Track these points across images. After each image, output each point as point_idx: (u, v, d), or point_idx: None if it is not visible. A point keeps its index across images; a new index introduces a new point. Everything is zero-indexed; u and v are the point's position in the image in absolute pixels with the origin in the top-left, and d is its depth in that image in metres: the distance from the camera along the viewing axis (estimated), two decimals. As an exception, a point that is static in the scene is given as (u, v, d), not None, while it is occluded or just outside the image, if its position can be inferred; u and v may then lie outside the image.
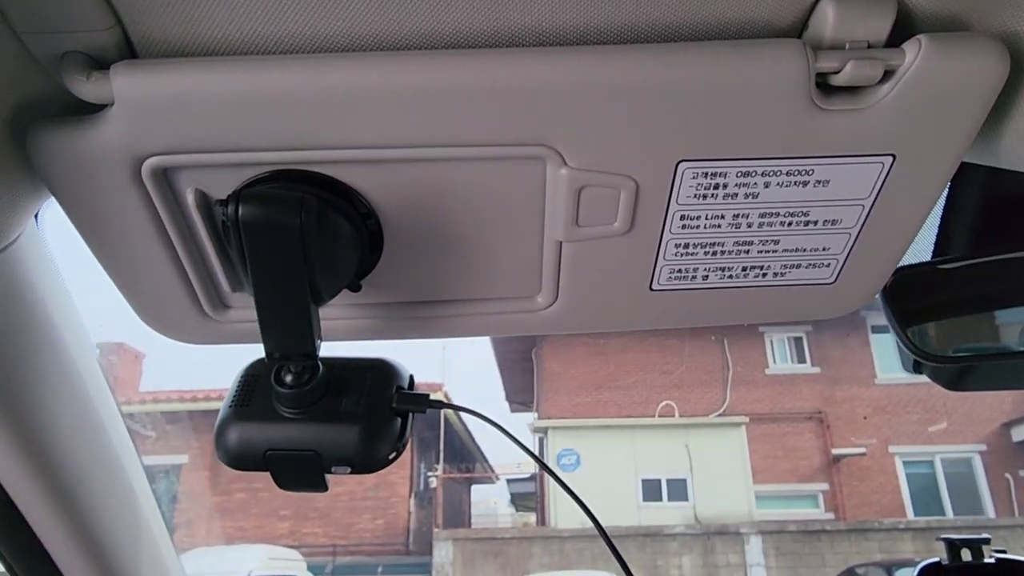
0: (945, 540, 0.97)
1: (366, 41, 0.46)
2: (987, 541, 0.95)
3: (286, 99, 0.45)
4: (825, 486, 11.75)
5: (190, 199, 0.50)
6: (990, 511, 11.09)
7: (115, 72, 0.43)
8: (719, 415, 11.96)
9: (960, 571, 0.94)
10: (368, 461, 0.56)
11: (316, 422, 0.55)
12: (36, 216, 0.58)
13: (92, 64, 0.44)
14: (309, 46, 0.46)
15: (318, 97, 0.45)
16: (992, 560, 0.94)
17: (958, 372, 0.86)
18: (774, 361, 12.40)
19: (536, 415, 12.48)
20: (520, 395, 14.62)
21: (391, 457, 0.57)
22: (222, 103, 0.45)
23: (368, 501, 11.91)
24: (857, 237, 0.55)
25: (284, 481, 0.58)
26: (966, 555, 0.96)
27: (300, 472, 0.57)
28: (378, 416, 0.56)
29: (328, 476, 0.57)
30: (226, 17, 0.44)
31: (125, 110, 0.44)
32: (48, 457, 0.62)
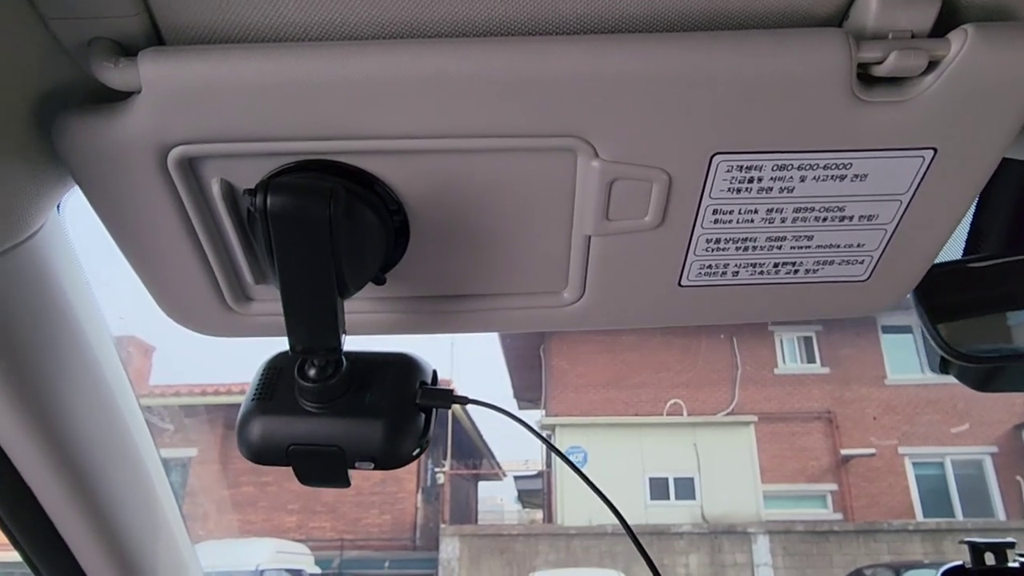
0: (968, 543, 0.95)
1: (396, 28, 0.45)
2: (1012, 545, 0.93)
3: (314, 87, 0.44)
4: (834, 486, 11.70)
5: (215, 189, 0.49)
6: (1001, 513, 11.02)
7: (143, 59, 0.43)
8: (727, 414, 11.93)
9: (984, 575, 0.92)
10: (392, 457, 0.55)
11: (340, 417, 0.55)
12: (59, 206, 0.58)
13: (119, 51, 0.44)
14: (338, 33, 0.45)
15: (347, 85, 0.44)
16: (1017, 564, 0.92)
17: (986, 372, 0.84)
18: (783, 360, 12.35)
19: (544, 412, 12.49)
20: (528, 392, 14.63)
21: (415, 453, 0.56)
22: (250, 91, 0.44)
23: (375, 496, 11.96)
24: (893, 234, 0.54)
25: (306, 476, 0.57)
26: (989, 559, 0.94)
27: (323, 467, 0.56)
28: (402, 411, 0.56)
29: (351, 472, 0.57)
30: (253, 4, 0.43)
31: (152, 98, 0.44)
32: (67, 447, 0.61)
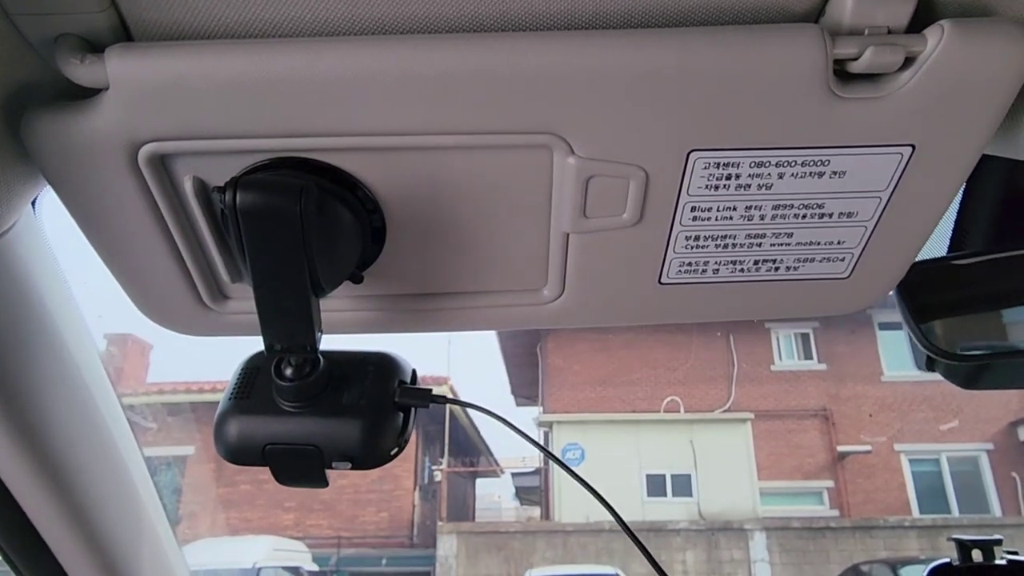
0: (956, 540, 0.95)
1: (368, 25, 0.45)
2: (999, 542, 0.93)
3: (286, 83, 0.43)
4: (830, 483, 11.72)
5: (188, 187, 0.49)
6: (996, 510, 11.05)
7: (110, 55, 0.42)
8: (724, 411, 11.94)
9: (971, 572, 0.92)
10: (369, 456, 0.55)
11: (317, 416, 0.54)
12: (34, 204, 0.57)
13: (87, 47, 0.43)
14: (309, 30, 0.45)
15: (318, 82, 0.43)
16: (1004, 561, 0.92)
17: (972, 370, 0.84)
18: (780, 358, 12.36)
19: (541, 409, 12.49)
20: (526, 389, 14.63)
21: (393, 453, 0.56)
22: (220, 88, 0.43)
23: (372, 494, 11.96)
24: (873, 230, 0.54)
25: (283, 476, 0.57)
26: (977, 556, 0.94)
27: (300, 467, 0.55)
28: (380, 410, 0.55)
29: (329, 472, 0.56)
30: (223, 0, 0.43)
31: (120, 94, 0.43)
32: (47, 449, 0.61)
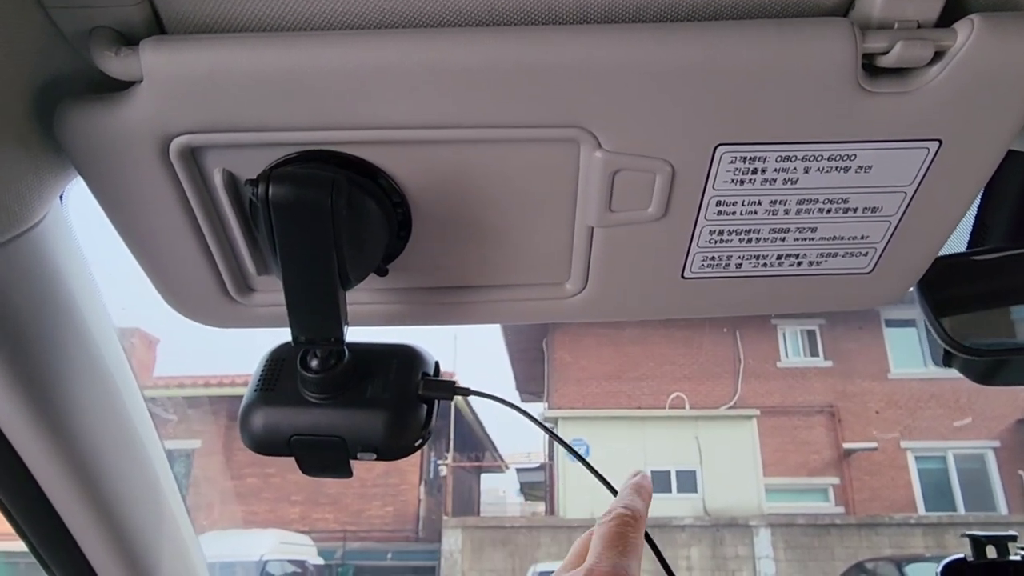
0: (970, 536, 0.95)
1: (398, 17, 0.45)
2: (1013, 538, 0.93)
3: (316, 77, 0.44)
4: (836, 480, 11.70)
5: (217, 179, 0.49)
6: (1003, 508, 11.01)
7: (144, 48, 0.43)
8: (730, 407, 11.92)
9: (985, 568, 0.92)
10: (394, 447, 0.55)
11: (342, 407, 0.55)
12: (61, 197, 0.58)
13: (121, 40, 0.43)
14: (340, 23, 0.45)
15: (349, 75, 0.44)
16: (1018, 557, 0.92)
17: (990, 366, 0.84)
18: (786, 354, 12.33)
19: (546, 405, 12.50)
20: (531, 385, 14.64)
21: (417, 444, 0.56)
22: (252, 81, 0.44)
23: (378, 488, 12.00)
24: (897, 225, 0.54)
25: (308, 467, 0.57)
26: (991, 552, 0.94)
27: (325, 458, 0.56)
28: (405, 402, 0.56)
29: (353, 463, 0.57)
30: None
31: (154, 87, 0.44)
32: (71, 438, 0.62)
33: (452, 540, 10.75)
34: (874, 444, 11.57)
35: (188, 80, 0.43)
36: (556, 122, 0.46)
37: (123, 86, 0.45)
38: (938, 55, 0.44)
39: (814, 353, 12.28)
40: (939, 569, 0.94)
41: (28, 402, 0.56)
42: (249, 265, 0.56)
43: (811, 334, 12.28)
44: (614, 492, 0.54)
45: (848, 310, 0.62)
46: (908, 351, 11.62)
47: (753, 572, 10.14)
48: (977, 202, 0.83)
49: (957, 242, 0.84)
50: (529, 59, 0.44)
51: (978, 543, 0.94)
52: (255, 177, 0.45)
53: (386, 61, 0.44)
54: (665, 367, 12.13)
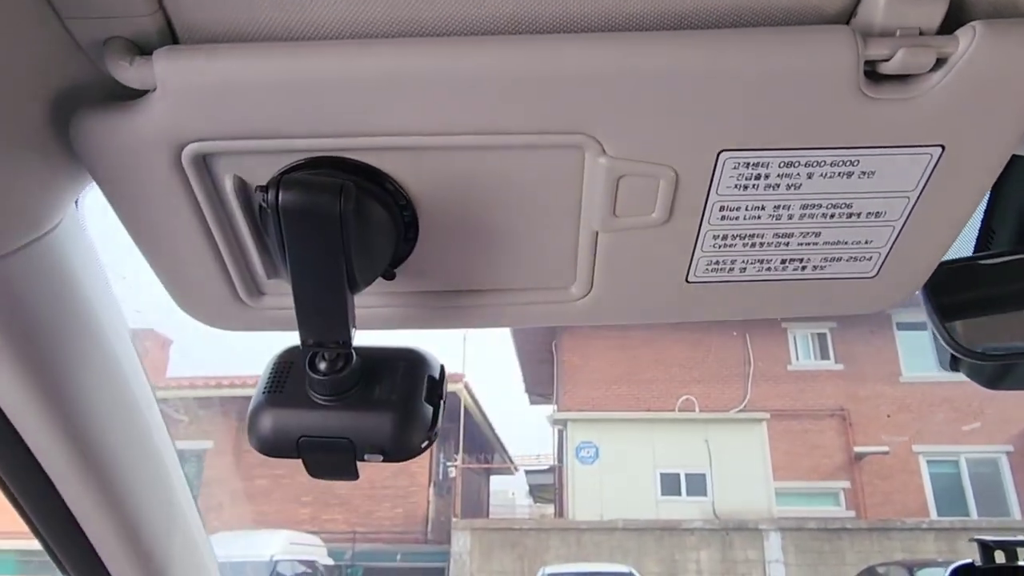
0: (979, 542, 0.95)
1: (406, 26, 0.46)
2: (1022, 544, 0.93)
3: (326, 85, 0.45)
4: (847, 484, 11.64)
5: (228, 185, 0.50)
6: (1016, 513, 10.91)
7: (158, 58, 0.44)
8: (740, 410, 11.88)
9: (993, 573, 0.92)
10: (401, 449, 0.56)
11: (350, 409, 0.55)
12: (77, 202, 0.59)
13: (135, 50, 0.44)
14: (348, 31, 0.46)
15: (357, 83, 0.45)
16: (1027, 563, 0.92)
17: (997, 369, 0.84)
18: (796, 357, 12.28)
19: (556, 407, 12.49)
20: (540, 387, 14.65)
21: (424, 445, 0.57)
22: (262, 89, 0.45)
23: (388, 490, 12.03)
24: (901, 230, 0.54)
25: (316, 469, 0.58)
26: (999, 557, 0.94)
27: (333, 459, 0.57)
28: (411, 404, 0.56)
29: (360, 465, 0.57)
30: (267, 2, 0.44)
31: (167, 96, 0.45)
32: (86, 440, 0.63)
33: (461, 542, 10.76)
34: (885, 448, 11.49)
35: (200, 89, 0.44)
36: (561, 129, 0.47)
37: (137, 95, 0.46)
38: (940, 62, 0.44)
39: (825, 356, 12.22)
40: (947, 573, 0.94)
41: (43, 403, 0.57)
42: (259, 269, 0.57)
43: (822, 337, 12.23)
44: None
45: (852, 314, 0.62)
46: (920, 354, 11.53)
47: (763, 576, 10.10)
48: (983, 206, 0.83)
49: (964, 246, 0.84)
50: (535, 67, 0.44)
51: (987, 548, 0.94)
52: (265, 183, 0.46)
53: (394, 69, 0.44)
54: (674, 370, 12.11)
